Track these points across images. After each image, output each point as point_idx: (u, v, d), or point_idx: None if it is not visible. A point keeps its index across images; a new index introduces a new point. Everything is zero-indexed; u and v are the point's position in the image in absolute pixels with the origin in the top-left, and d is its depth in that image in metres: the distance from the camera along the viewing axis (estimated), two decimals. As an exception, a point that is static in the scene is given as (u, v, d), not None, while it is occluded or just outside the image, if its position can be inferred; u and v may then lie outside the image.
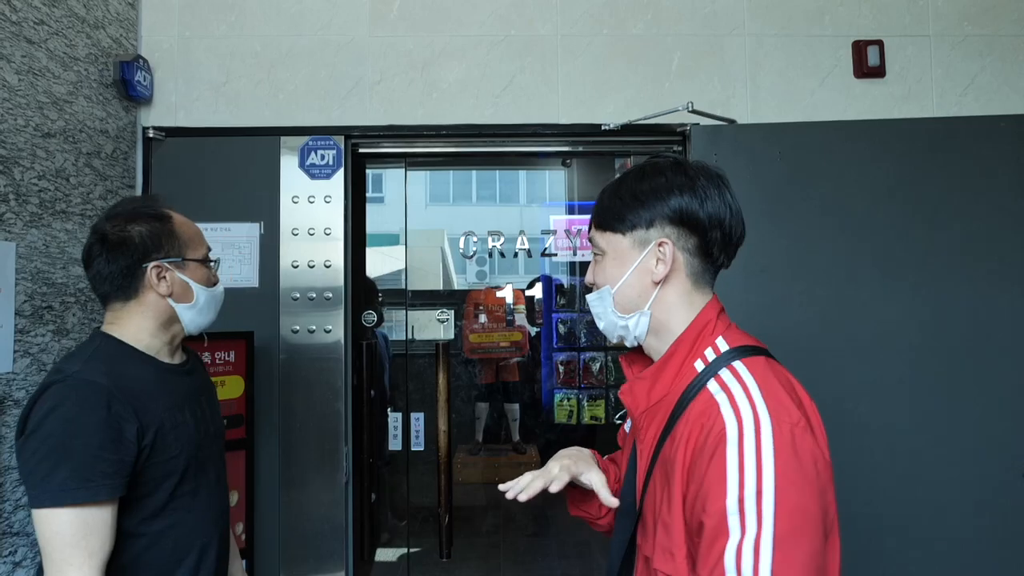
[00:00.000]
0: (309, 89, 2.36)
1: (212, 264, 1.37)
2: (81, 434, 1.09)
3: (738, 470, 0.77)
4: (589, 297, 1.03)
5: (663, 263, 0.94)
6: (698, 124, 2.26)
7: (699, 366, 0.91)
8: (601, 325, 1.02)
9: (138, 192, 2.29)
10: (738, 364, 0.88)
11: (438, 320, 2.93)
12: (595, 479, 1.04)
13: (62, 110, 1.93)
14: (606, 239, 0.99)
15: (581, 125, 2.35)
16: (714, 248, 0.95)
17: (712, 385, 0.87)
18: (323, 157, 2.32)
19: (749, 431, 0.79)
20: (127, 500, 1.15)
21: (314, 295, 2.29)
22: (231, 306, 2.24)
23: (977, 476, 2.09)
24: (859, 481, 2.11)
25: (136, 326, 1.26)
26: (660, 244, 0.94)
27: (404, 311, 3.02)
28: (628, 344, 1.02)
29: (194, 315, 1.30)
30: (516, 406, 4.97)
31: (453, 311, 3.13)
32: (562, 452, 1.12)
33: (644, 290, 0.96)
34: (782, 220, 2.19)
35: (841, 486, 2.17)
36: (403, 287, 3.23)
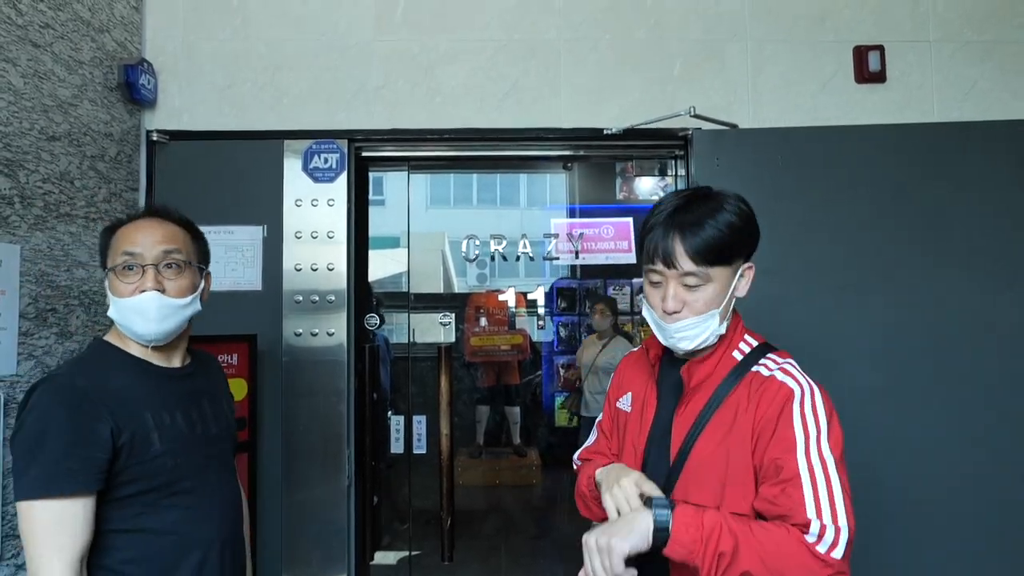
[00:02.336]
0: (313, 92, 2.36)
1: (125, 271, 1.25)
2: (52, 432, 1.14)
3: (801, 420, 1.07)
4: (690, 321, 1.14)
5: (747, 282, 1.20)
6: (700, 128, 2.27)
7: (737, 356, 1.18)
8: (696, 343, 1.15)
9: (141, 195, 2.29)
10: (773, 355, 1.18)
11: (440, 323, 2.93)
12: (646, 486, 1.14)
13: (67, 113, 1.93)
14: (714, 271, 1.13)
15: (583, 129, 2.36)
16: None
17: (762, 368, 1.15)
18: (326, 160, 2.32)
19: (807, 395, 1.10)
20: (113, 499, 1.19)
21: (317, 298, 2.29)
22: (234, 309, 2.27)
23: (979, 478, 2.10)
24: (859, 482, 2.11)
25: (117, 332, 1.29)
26: (748, 268, 1.20)
27: (406, 314, 3.02)
28: (692, 349, 1.18)
29: (122, 326, 1.27)
30: (517, 409, 4.97)
31: (454, 314, 3.13)
32: (619, 475, 1.16)
33: (728, 305, 1.18)
34: (783, 224, 2.19)
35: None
36: (405, 290, 3.23)
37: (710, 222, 1.12)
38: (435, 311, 3.01)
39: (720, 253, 1.12)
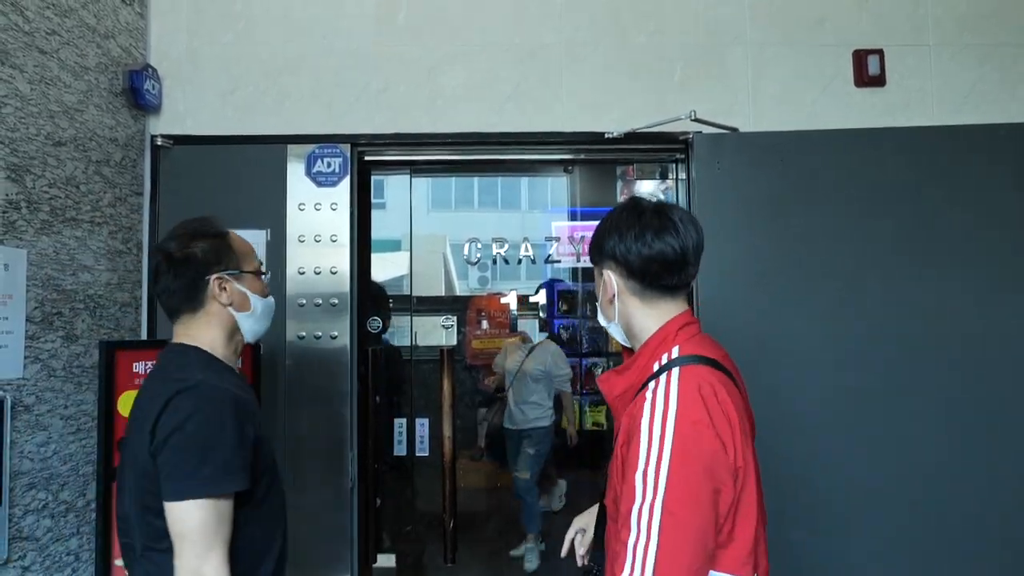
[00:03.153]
0: (315, 96, 2.38)
1: (264, 276, 1.45)
2: (221, 434, 1.21)
3: (646, 449, 1.02)
4: None
5: (608, 287, 1.22)
6: (700, 132, 2.28)
7: (655, 367, 1.13)
8: (610, 331, 1.28)
9: (146, 199, 2.31)
10: (675, 370, 1.09)
11: (443, 326, 2.95)
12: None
13: (73, 119, 1.95)
14: (596, 270, 1.27)
15: (584, 133, 2.38)
16: (649, 276, 1.16)
17: (651, 383, 1.09)
18: (329, 165, 2.34)
19: (658, 421, 1.03)
20: (242, 494, 1.26)
21: (320, 301, 2.31)
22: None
23: (976, 478, 2.11)
24: (855, 484, 2.12)
25: (210, 337, 1.34)
26: (602, 274, 1.24)
27: (409, 317, 3.03)
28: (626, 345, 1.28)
29: (252, 323, 1.39)
30: (518, 412, 4.97)
31: (456, 317, 3.15)
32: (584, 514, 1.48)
33: (607, 306, 1.24)
34: (783, 227, 2.21)
35: (837, 488, 2.18)
36: (407, 293, 3.25)
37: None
38: (437, 314, 3.03)
39: (590, 252, 1.28)
